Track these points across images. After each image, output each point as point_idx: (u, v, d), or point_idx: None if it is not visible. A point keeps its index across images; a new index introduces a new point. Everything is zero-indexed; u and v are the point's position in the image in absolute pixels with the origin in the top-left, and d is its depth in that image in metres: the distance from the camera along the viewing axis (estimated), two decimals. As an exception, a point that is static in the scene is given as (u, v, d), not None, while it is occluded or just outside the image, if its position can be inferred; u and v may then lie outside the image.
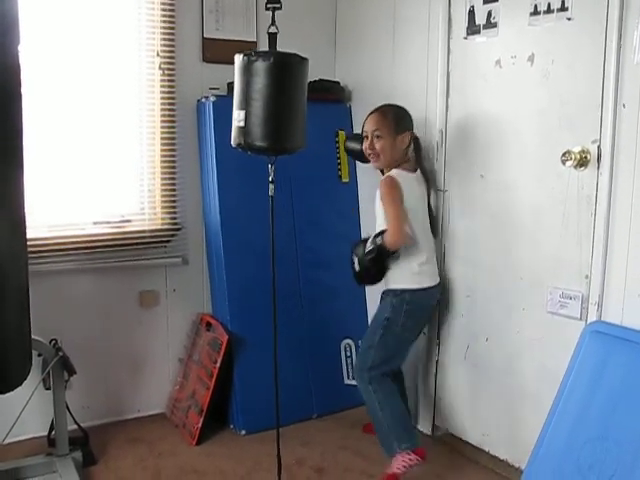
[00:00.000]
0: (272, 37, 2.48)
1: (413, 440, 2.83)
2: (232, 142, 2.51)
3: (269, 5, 2.50)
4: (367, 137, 2.92)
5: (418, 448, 2.81)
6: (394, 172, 2.88)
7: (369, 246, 2.77)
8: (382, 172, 2.98)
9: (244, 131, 2.41)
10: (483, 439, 3.04)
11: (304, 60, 2.48)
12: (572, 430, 2.32)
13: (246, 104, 2.39)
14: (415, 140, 3.00)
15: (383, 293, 2.98)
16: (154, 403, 3.50)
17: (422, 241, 2.90)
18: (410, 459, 2.77)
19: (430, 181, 3.04)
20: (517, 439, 2.83)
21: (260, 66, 2.36)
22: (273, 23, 2.49)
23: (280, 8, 2.52)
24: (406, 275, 2.89)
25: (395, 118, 2.90)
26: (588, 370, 2.36)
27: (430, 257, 2.95)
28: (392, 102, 3.21)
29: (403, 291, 2.89)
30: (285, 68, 2.41)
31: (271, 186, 2.58)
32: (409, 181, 2.88)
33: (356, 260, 2.84)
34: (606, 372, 2.30)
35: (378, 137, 2.88)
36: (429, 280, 2.93)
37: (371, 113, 2.95)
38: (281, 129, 2.45)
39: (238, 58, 2.43)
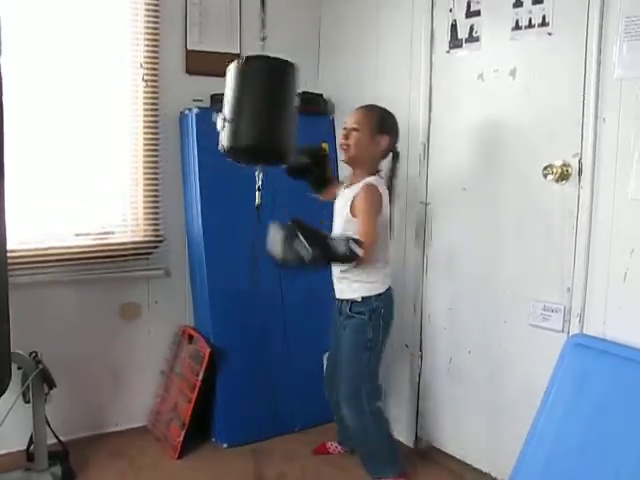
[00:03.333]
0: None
1: (402, 465, 2.89)
2: (221, 147, 2.40)
3: None
4: (344, 129, 2.81)
5: (406, 472, 2.89)
6: (375, 181, 2.75)
7: (342, 249, 2.48)
8: (352, 173, 2.87)
9: (233, 132, 2.32)
10: (466, 452, 3.04)
11: (294, 66, 2.45)
12: (554, 443, 2.32)
13: (238, 106, 2.33)
14: (394, 155, 2.86)
15: (348, 305, 2.81)
16: (136, 416, 3.46)
17: (388, 256, 2.85)
18: None
19: (393, 203, 2.85)
20: (500, 452, 2.83)
21: (254, 68, 2.33)
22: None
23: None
24: (378, 280, 2.79)
25: (379, 117, 2.80)
26: (570, 383, 2.36)
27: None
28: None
29: (378, 297, 2.78)
30: (279, 71, 2.38)
31: (258, 194, 2.52)
32: (386, 195, 2.77)
33: (309, 252, 2.41)
34: (588, 385, 2.31)
35: (355, 130, 2.76)
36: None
37: (357, 109, 2.85)
38: (273, 129, 2.36)
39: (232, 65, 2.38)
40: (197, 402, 3.17)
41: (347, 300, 2.83)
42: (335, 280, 2.87)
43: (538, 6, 2.56)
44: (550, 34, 2.53)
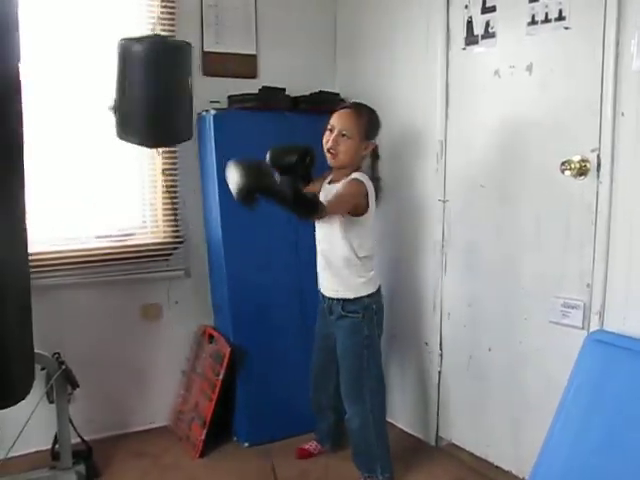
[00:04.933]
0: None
1: (392, 468, 2.92)
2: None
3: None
4: (331, 131, 2.74)
5: (393, 476, 2.92)
6: (361, 176, 2.75)
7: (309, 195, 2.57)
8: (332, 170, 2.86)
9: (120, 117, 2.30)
10: (487, 450, 3.02)
11: (186, 44, 2.36)
12: (575, 440, 2.30)
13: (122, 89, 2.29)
14: (374, 148, 2.86)
15: (340, 304, 2.83)
16: (158, 416, 3.50)
17: (375, 251, 2.88)
18: None
19: (380, 194, 2.89)
20: (521, 449, 2.81)
21: (139, 49, 2.28)
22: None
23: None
24: (367, 281, 2.82)
25: (369, 122, 2.77)
26: (590, 379, 2.34)
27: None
28: (392, 113, 3.22)
29: (370, 296, 2.82)
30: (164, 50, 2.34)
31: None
32: (372, 191, 2.78)
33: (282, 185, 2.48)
34: (608, 381, 2.28)
35: (345, 136, 2.71)
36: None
37: (343, 108, 2.81)
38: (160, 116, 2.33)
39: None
40: (218, 401, 3.19)
41: (338, 299, 2.84)
42: (324, 278, 2.89)
43: (554, 0, 2.54)
44: (567, 28, 2.51)
